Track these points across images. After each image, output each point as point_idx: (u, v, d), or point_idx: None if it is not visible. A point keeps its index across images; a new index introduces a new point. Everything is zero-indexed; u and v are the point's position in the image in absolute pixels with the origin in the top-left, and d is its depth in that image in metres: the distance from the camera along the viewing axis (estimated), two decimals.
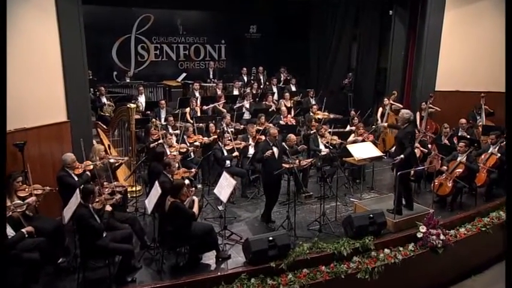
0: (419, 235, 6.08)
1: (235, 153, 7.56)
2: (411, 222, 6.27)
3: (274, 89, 11.93)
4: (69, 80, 6.49)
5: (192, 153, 8.10)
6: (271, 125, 9.05)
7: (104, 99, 10.03)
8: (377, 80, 12.62)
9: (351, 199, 7.45)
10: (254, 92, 11.49)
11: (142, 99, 10.40)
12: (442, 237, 6.10)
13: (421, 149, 7.93)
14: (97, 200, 5.11)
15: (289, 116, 9.99)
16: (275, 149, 6.32)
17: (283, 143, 6.56)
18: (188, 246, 5.48)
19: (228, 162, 7.62)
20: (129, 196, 7.14)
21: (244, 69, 12.88)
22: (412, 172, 7.31)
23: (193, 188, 5.92)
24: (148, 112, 9.91)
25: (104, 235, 5.02)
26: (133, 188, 7.21)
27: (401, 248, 5.96)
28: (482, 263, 6.70)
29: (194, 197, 5.59)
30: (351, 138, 8.28)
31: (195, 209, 5.44)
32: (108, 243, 4.98)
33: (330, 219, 6.52)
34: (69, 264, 5.30)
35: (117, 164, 7.11)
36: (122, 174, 7.41)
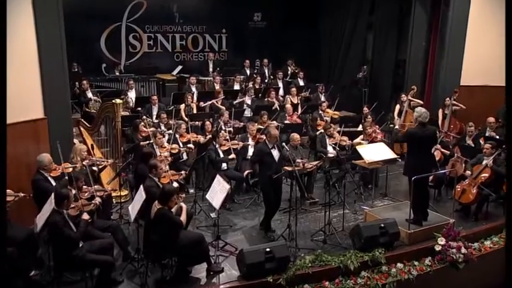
0: (438, 248, 6.01)
1: (232, 156, 7.51)
2: (428, 234, 6.20)
3: (280, 84, 11.91)
4: (47, 72, 6.47)
5: (185, 155, 8.06)
6: (274, 122, 9.01)
7: (90, 94, 10.06)
8: (395, 74, 12.51)
9: (362, 207, 7.37)
10: (257, 86, 11.46)
11: (132, 94, 10.41)
12: (463, 250, 6.01)
13: (442, 150, 7.81)
14: (73, 205, 5.09)
15: (295, 114, 9.92)
16: (275, 152, 6.26)
17: (284, 144, 6.48)
18: (176, 257, 5.44)
19: (224, 164, 7.57)
20: (114, 202, 7.17)
21: (247, 61, 12.88)
22: (431, 177, 7.26)
23: (183, 195, 5.87)
24: (139, 109, 9.93)
25: (81, 245, 5.00)
26: (119, 193, 7.18)
27: (416, 263, 5.89)
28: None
29: (182, 204, 5.55)
30: (358, 139, 8.21)
31: (183, 217, 5.41)
32: (85, 254, 4.95)
33: (337, 229, 6.47)
34: (42, 278, 5.28)
35: (100, 167, 7.11)
36: (107, 177, 7.40)
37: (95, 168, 6.74)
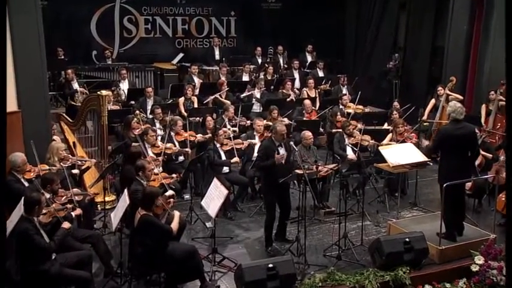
0: (475, 268, 5.89)
1: (235, 159, 7.52)
2: (464, 251, 6.10)
3: (296, 75, 11.92)
4: (21, 59, 6.55)
5: (182, 155, 8.09)
6: (285, 120, 8.97)
7: (76, 85, 10.18)
8: (432, 63, 12.37)
9: (387, 218, 7.29)
10: (269, 78, 11.45)
11: (124, 86, 10.52)
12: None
13: (484, 153, 7.64)
14: (45, 211, 5.11)
15: (314, 112, 9.83)
16: (282, 151, 6.23)
17: (292, 144, 6.44)
18: (164, 273, 5.44)
19: (226, 167, 7.58)
20: (99, 208, 7.21)
21: (259, 49, 12.92)
22: (470, 185, 7.14)
23: (171, 200, 5.89)
24: (132, 102, 10.00)
25: (53, 257, 5.02)
26: (103, 198, 7.20)
27: (448, 285, 5.81)
28: None
29: (176, 212, 5.59)
30: (387, 139, 8.10)
31: (174, 225, 5.43)
32: (58, 269, 4.96)
33: (355, 243, 6.41)
34: None
35: (83, 167, 7.16)
36: (92, 179, 7.44)
37: (75, 171, 6.77)
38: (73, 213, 5.46)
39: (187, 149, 7.94)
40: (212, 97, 10.13)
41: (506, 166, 6.37)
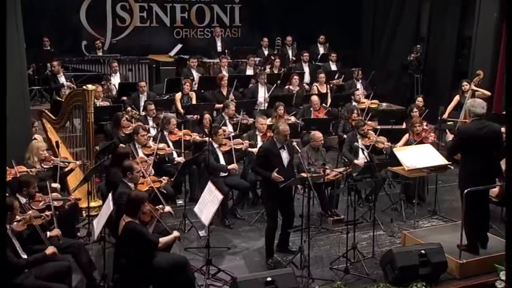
0: (500, 285, 5.83)
1: (233, 166, 7.52)
2: (487, 265, 6.05)
3: (305, 68, 11.93)
4: None
5: (175, 156, 8.09)
6: (291, 118, 8.97)
7: (62, 79, 10.24)
8: (458, 55, 12.34)
9: (403, 227, 7.23)
10: (275, 71, 11.43)
11: (116, 80, 10.57)
12: None
13: None
14: (19, 218, 5.11)
15: (322, 108, 9.80)
16: (284, 154, 6.23)
17: (295, 145, 6.41)
18: (152, 286, 5.45)
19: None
20: (84, 214, 7.23)
21: (265, 39, 12.98)
22: (497, 191, 7.06)
23: (162, 206, 5.89)
24: (124, 98, 10.04)
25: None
26: (88, 203, 7.20)
27: None
28: None
29: (176, 232, 5.62)
30: (403, 140, 8.07)
31: (163, 240, 5.43)
32: (33, 281, 4.97)
33: (365, 255, 6.40)
34: None
35: (66, 169, 7.18)
36: (77, 182, 7.46)
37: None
38: (49, 233, 5.40)
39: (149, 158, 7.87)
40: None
41: (506, 167, 6.28)
